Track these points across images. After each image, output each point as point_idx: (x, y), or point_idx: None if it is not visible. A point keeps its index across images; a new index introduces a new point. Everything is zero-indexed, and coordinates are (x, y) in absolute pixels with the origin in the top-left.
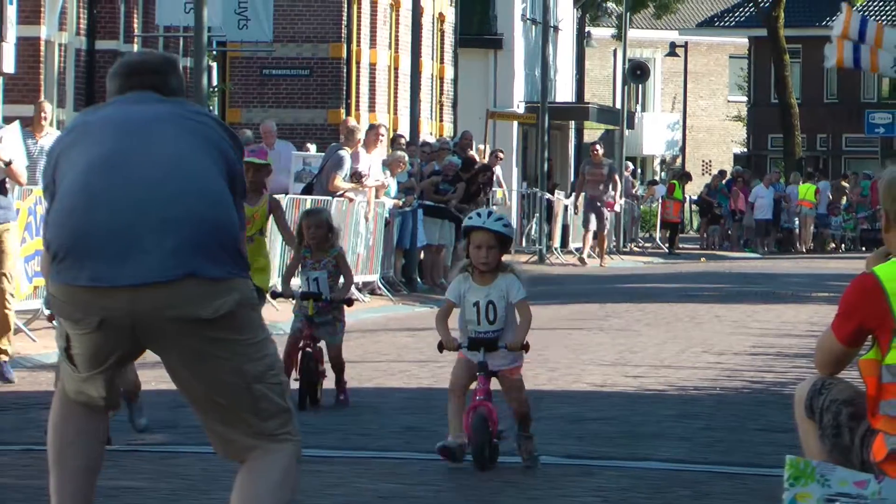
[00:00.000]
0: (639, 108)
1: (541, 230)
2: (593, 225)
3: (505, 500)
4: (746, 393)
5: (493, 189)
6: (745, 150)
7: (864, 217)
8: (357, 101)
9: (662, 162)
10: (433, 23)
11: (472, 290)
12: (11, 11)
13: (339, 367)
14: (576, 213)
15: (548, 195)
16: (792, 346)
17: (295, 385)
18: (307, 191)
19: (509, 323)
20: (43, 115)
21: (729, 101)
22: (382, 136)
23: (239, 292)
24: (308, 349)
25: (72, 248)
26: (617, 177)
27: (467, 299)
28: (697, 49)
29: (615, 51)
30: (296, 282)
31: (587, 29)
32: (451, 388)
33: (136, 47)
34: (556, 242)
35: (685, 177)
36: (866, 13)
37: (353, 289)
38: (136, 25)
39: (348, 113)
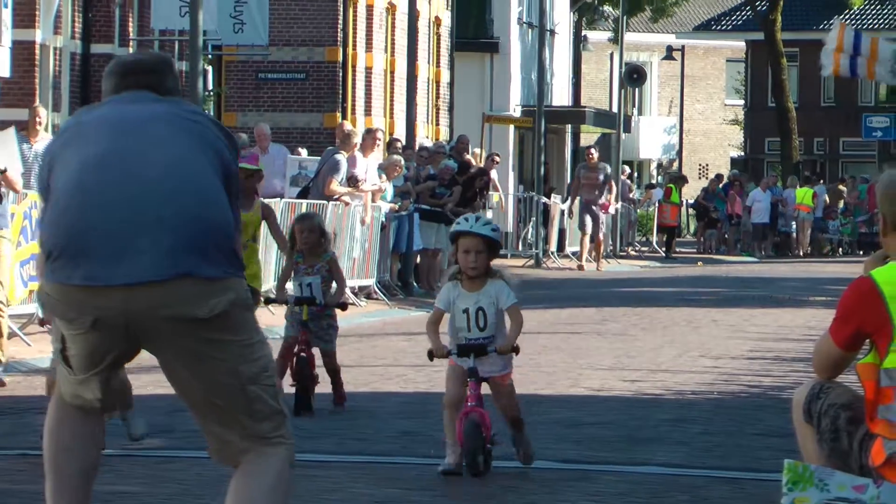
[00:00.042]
0: (635, 111)
1: (537, 234)
2: (589, 229)
3: None
4: (744, 397)
5: (490, 193)
6: (743, 153)
7: (861, 221)
8: (353, 105)
9: (659, 166)
10: (429, 26)
11: (461, 296)
12: (6, 15)
13: (334, 371)
14: (570, 217)
15: (544, 199)
16: (789, 350)
17: (290, 390)
18: (303, 195)
19: (499, 329)
20: (38, 119)
21: (726, 105)
22: (379, 140)
23: (234, 292)
24: (302, 354)
25: (66, 247)
26: (612, 180)
27: (457, 306)
28: (694, 53)
29: (612, 54)
30: (287, 287)
31: (584, 32)
32: (446, 403)
33: (131, 51)
34: (553, 246)
35: (681, 179)
36: (863, 17)
37: (348, 292)
38: (131, 29)
39: (344, 117)
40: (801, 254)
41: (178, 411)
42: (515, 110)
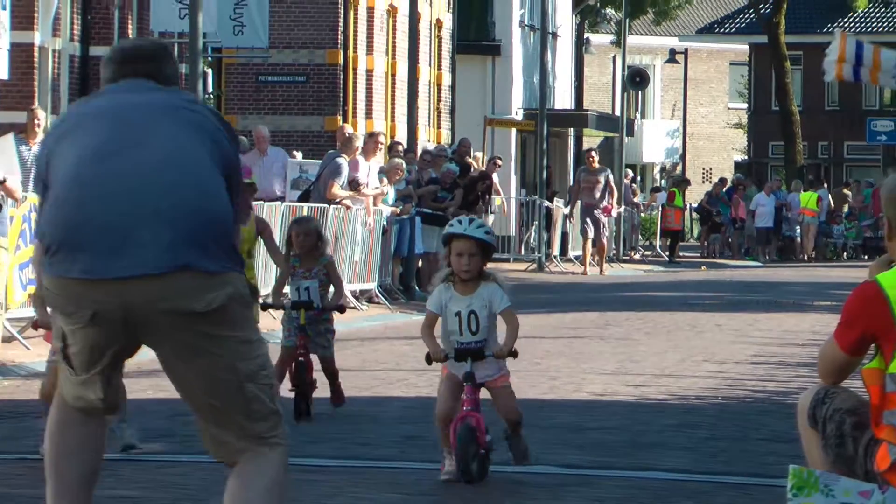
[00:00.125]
0: (638, 115)
1: (540, 238)
2: (591, 233)
3: None
4: (748, 402)
5: (492, 197)
6: (746, 157)
7: (866, 225)
8: (354, 108)
9: (662, 169)
10: (430, 29)
11: (453, 299)
12: (5, 17)
13: (332, 374)
14: (571, 221)
15: (547, 203)
16: (794, 354)
17: (290, 395)
18: (304, 198)
19: (492, 332)
20: (36, 121)
21: (729, 109)
22: (381, 143)
23: (232, 286)
24: (301, 359)
25: (64, 240)
26: (613, 184)
27: (449, 309)
28: (697, 56)
29: (614, 57)
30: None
31: (586, 35)
32: (438, 417)
33: None
34: (556, 250)
35: (684, 182)
36: (867, 20)
37: (347, 295)
38: (130, 31)
39: (345, 120)
40: (806, 258)
41: (178, 415)
42: (517, 113)
